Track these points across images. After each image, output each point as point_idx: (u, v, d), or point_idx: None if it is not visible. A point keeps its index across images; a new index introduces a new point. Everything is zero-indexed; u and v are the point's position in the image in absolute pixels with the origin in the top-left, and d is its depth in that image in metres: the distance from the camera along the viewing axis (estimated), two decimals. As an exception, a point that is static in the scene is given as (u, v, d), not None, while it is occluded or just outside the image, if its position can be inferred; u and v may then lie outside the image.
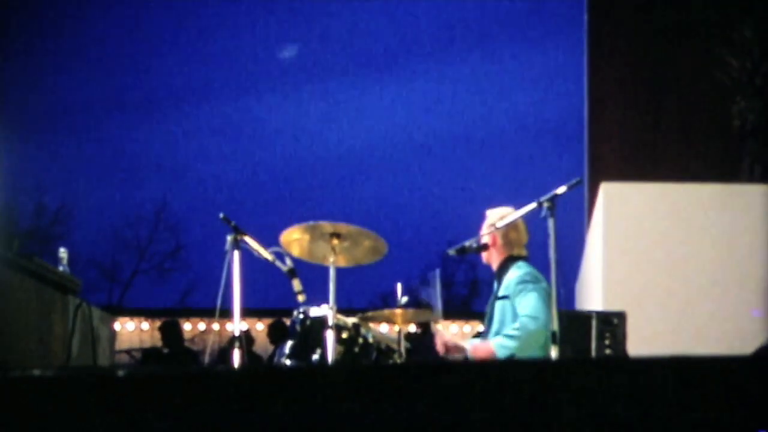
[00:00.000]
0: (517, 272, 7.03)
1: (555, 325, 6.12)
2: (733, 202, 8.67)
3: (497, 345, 6.86)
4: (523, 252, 7.24)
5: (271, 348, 13.67)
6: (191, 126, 48.46)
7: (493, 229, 7.00)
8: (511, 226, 7.01)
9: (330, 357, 6.58)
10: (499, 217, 7.04)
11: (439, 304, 6.93)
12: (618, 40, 12.23)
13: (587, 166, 12.18)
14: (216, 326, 18.65)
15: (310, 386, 2.47)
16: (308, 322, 6.94)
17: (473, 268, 37.05)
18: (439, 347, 7.14)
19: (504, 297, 7.00)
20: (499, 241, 7.17)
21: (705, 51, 11.31)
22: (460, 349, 7.08)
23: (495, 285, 7.22)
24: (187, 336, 17.84)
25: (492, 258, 7.21)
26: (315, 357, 6.81)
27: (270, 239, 6.92)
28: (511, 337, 6.83)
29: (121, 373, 2.19)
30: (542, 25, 46.63)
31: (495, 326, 7.02)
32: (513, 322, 6.90)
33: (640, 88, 12.00)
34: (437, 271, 7.09)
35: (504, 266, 7.14)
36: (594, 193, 9.79)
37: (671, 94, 11.87)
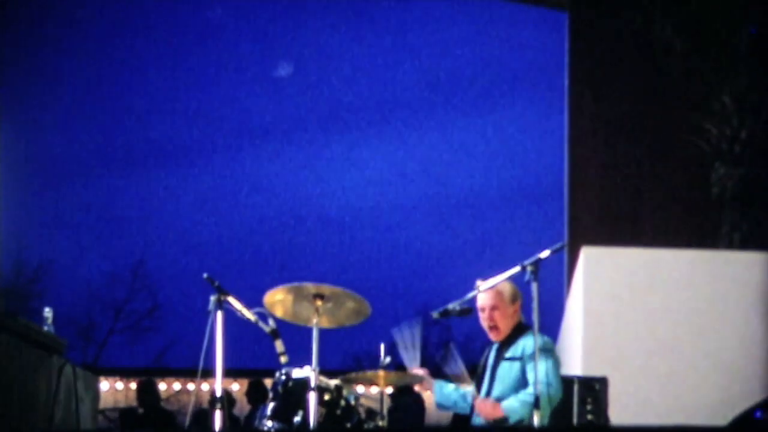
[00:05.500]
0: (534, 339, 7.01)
1: (538, 390, 6.12)
2: (712, 269, 8.74)
3: (508, 407, 6.82)
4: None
5: (247, 408, 13.55)
6: (171, 184, 48.29)
7: (497, 296, 7.03)
8: (516, 296, 7.07)
9: (312, 419, 6.56)
10: (497, 284, 7.06)
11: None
12: (598, 105, 12.32)
13: (567, 230, 12.22)
14: (191, 386, 18.49)
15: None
16: (290, 384, 6.93)
17: (448, 330, 36.91)
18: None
19: (513, 358, 6.99)
20: (509, 309, 7.14)
21: (684, 118, 11.42)
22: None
23: (499, 346, 7.19)
24: (162, 396, 17.72)
25: (502, 323, 7.14)
26: (297, 419, 6.79)
27: (251, 300, 6.90)
28: (523, 402, 6.76)
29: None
30: (522, 90, 46.77)
31: (502, 386, 6.98)
32: (522, 384, 6.85)
33: (619, 153, 12.08)
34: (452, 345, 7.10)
35: (515, 333, 7.10)
36: (574, 257, 9.83)
37: (651, 160, 11.96)
